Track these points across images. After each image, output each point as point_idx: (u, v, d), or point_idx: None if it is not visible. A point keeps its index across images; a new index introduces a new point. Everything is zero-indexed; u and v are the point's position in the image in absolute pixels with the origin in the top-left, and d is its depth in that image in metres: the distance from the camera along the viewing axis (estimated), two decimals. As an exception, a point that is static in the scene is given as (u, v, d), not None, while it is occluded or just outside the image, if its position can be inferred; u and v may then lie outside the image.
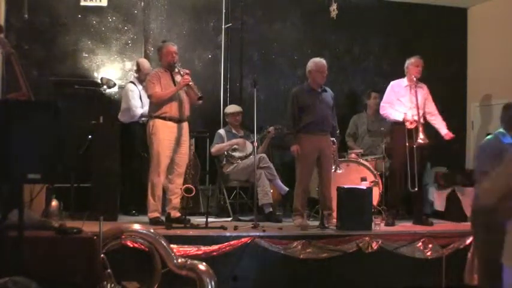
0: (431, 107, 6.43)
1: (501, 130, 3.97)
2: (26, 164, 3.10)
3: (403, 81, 6.44)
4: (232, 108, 6.99)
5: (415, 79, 6.29)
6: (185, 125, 5.78)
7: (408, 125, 6.16)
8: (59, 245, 3.52)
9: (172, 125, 5.66)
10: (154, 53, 7.35)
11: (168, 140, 5.63)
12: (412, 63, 6.38)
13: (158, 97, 5.64)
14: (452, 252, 5.46)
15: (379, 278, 5.33)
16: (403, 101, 6.33)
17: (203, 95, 5.77)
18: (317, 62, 6.08)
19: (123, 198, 6.43)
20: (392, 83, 6.55)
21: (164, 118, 5.63)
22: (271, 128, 6.85)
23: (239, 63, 7.74)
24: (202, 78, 7.58)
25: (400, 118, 6.24)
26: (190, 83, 5.63)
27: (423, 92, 6.38)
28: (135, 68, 6.82)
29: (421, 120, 6.21)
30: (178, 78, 5.73)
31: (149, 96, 5.78)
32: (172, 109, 5.65)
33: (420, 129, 6.12)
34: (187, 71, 5.72)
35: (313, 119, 5.94)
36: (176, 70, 5.75)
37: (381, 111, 6.53)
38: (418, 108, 6.21)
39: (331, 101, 6.12)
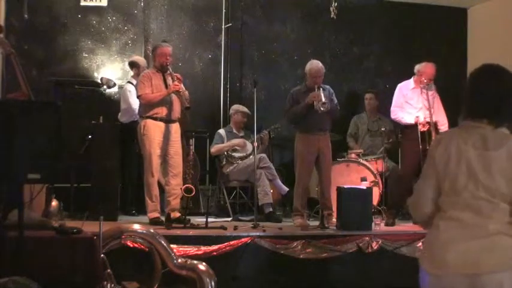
0: (440, 114, 6.32)
1: None
2: (26, 164, 3.10)
3: (410, 83, 6.38)
4: (244, 108, 7.00)
5: (425, 81, 6.19)
6: (175, 125, 5.79)
7: (421, 128, 6.07)
8: (59, 245, 3.51)
9: (163, 125, 5.68)
10: (154, 53, 7.37)
11: (159, 140, 5.64)
12: (425, 71, 6.23)
13: (148, 99, 5.66)
14: (452, 252, 5.45)
15: (379, 278, 5.33)
16: (412, 103, 6.26)
17: (191, 105, 5.71)
18: (311, 66, 6.02)
19: (123, 198, 6.43)
20: (399, 85, 6.47)
21: (155, 119, 5.66)
22: (264, 133, 6.84)
23: (239, 63, 7.74)
24: (202, 78, 7.61)
25: (412, 121, 6.17)
26: (180, 90, 5.62)
27: (431, 93, 6.30)
28: (129, 67, 6.83)
29: (433, 120, 6.13)
30: (170, 80, 5.71)
31: (138, 97, 5.79)
32: (163, 110, 5.67)
33: (433, 133, 6.05)
34: (179, 77, 5.72)
35: (310, 118, 5.93)
36: (168, 72, 5.74)
37: (392, 116, 6.43)
38: (430, 110, 6.14)
39: (330, 98, 6.08)
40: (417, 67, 6.34)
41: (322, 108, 5.79)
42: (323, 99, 5.80)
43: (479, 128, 2.40)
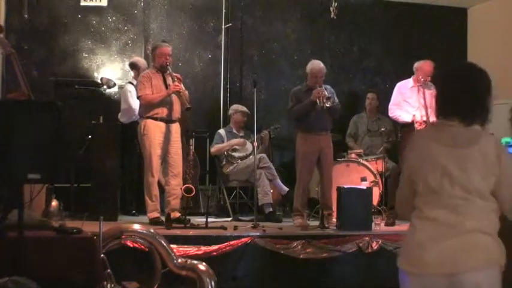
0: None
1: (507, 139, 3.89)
2: (26, 164, 3.10)
3: (409, 82, 6.41)
4: (243, 107, 7.00)
5: (422, 80, 6.22)
6: (176, 125, 5.79)
7: (417, 126, 6.07)
8: (59, 245, 3.51)
9: (163, 125, 5.68)
10: (154, 53, 7.36)
11: (159, 140, 5.65)
12: (421, 68, 6.28)
13: (148, 100, 5.66)
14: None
15: (379, 278, 5.33)
16: (410, 102, 6.29)
17: (191, 105, 5.71)
18: (313, 66, 6.02)
19: (123, 198, 6.43)
20: (398, 84, 6.51)
21: (156, 119, 5.66)
22: (264, 133, 6.85)
23: (239, 63, 7.74)
24: (202, 78, 7.61)
25: (409, 119, 6.19)
26: (180, 91, 5.62)
27: (430, 91, 6.31)
28: (130, 68, 6.83)
29: (430, 120, 6.14)
30: (170, 80, 5.71)
31: (139, 98, 5.79)
32: (163, 110, 5.67)
33: None
34: (180, 77, 5.72)
35: (311, 118, 5.93)
36: (168, 72, 5.74)
37: (390, 114, 6.48)
38: (426, 109, 6.13)
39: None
40: (415, 65, 6.38)
41: (327, 104, 5.79)
42: (327, 94, 5.81)
43: (451, 126, 2.41)
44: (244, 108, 6.95)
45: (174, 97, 5.71)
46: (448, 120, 2.42)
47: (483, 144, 2.36)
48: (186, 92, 5.76)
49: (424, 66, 6.28)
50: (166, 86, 5.71)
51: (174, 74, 5.70)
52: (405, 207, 2.53)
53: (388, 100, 6.66)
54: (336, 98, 6.11)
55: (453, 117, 2.41)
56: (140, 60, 6.78)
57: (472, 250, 2.29)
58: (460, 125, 2.39)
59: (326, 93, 5.82)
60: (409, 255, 2.42)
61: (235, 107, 7.04)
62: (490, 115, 2.45)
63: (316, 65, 6.03)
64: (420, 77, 6.22)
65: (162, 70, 5.76)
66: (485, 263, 2.30)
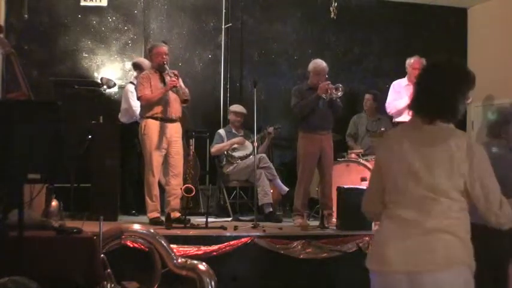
0: None
1: None
2: (26, 164, 3.10)
3: (403, 81, 6.47)
4: (237, 107, 6.99)
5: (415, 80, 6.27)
6: (176, 125, 5.80)
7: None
8: (59, 245, 3.51)
9: (164, 125, 5.69)
10: (154, 53, 7.35)
11: (160, 140, 5.66)
12: (411, 65, 6.39)
13: (147, 99, 5.67)
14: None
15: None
16: (406, 100, 6.35)
17: (189, 97, 5.74)
18: (316, 64, 6.04)
19: (123, 198, 6.43)
20: (393, 83, 6.61)
21: (156, 118, 5.67)
22: (270, 129, 6.86)
23: (239, 63, 7.74)
24: (202, 78, 7.61)
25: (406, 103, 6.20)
26: (177, 85, 5.63)
27: None
28: (133, 69, 6.81)
29: None
30: (168, 79, 5.72)
31: (139, 98, 5.81)
32: (163, 110, 5.68)
33: None
34: (176, 73, 5.73)
35: (313, 118, 5.94)
36: (166, 72, 5.74)
37: (388, 111, 6.57)
38: None
39: None
40: (407, 62, 6.47)
41: (339, 93, 5.81)
42: (334, 85, 5.82)
43: (419, 124, 2.39)
44: (241, 110, 6.93)
45: (174, 96, 5.72)
46: (416, 117, 2.42)
47: (452, 143, 2.31)
48: (186, 90, 5.76)
49: (414, 64, 6.37)
50: (165, 85, 5.71)
51: (171, 71, 5.70)
52: (373, 207, 2.52)
53: (388, 100, 6.70)
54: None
55: (419, 113, 2.40)
56: (145, 61, 6.73)
57: (433, 250, 2.27)
58: (424, 122, 2.37)
59: (332, 85, 5.84)
60: (374, 253, 2.42)
61: (233, 107, 7.03)
62: (459, 114, 2.41)
63: (319, 63, 6.05)
64: (413, 77, 6.27)
65: (160, 70, 5.77)
66: (446, 264, 2.27)
